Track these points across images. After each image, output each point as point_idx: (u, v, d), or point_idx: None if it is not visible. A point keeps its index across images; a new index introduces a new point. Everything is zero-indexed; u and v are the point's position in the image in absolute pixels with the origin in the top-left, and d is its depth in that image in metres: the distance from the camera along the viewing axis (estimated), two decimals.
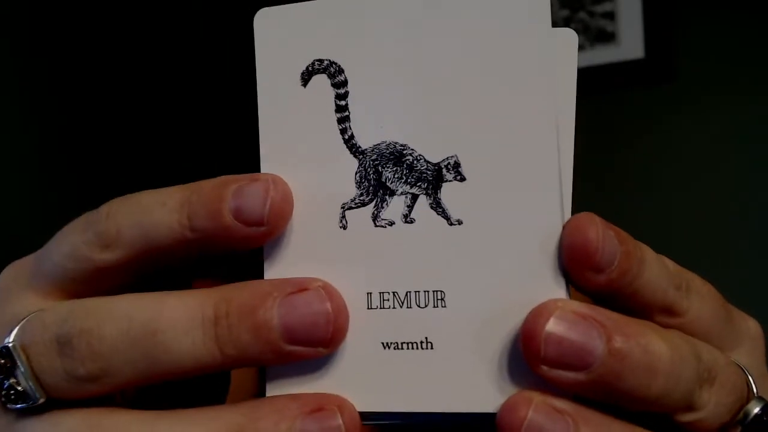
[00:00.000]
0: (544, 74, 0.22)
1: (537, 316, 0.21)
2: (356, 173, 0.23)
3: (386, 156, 0.23)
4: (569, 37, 0.23)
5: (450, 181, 0.22)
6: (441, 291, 0.22)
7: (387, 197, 0.23)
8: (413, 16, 0.23)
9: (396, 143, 0.23)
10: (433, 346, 0.22)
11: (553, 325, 0.20)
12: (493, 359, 0.22)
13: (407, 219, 0.23)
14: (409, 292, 0.22)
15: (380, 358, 0.22)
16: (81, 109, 1.27)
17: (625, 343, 0.20)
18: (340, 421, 0.21)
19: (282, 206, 0.22)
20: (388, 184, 0.23)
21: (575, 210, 0.22)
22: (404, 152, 0.23)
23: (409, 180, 0.23)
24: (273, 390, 0.22)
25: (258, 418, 0.21)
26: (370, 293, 0.22)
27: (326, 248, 0.23)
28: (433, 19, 0.22)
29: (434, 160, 0.22)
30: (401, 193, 0.23)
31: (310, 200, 0.23)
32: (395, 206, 0.23)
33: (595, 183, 1.10)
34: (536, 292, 0.22)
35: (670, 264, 0.23)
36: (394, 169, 0.23)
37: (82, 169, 1.25)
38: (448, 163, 0.22)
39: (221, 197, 0.22)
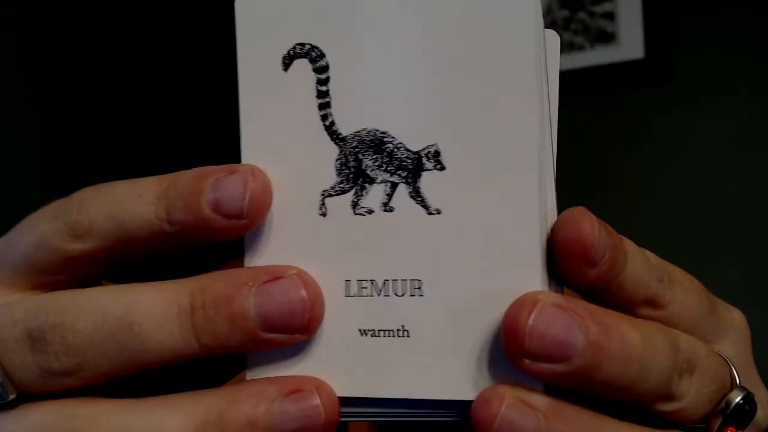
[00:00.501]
0: (528, 65, 0.22)
1: (519, 309, 0.21)
2: (336, 160, 0.23)
3: (366, 143, 0.23)
4: (551, 38, 0.23)
5: (430, 170, 0.22)
6: (418, 280, 0.22)
7: (367, 185, 0.23)
8: (397, 4, 0.22)
9: (377, 130, 0.23)
10: (409, 334, 0.22)
11: (536, 319, 0.21)
12: (469, 348, 0.22)
13: (386, 207, 0.22)
14: (387, 280, 0.22)
15: (357, 345, 0.22)
16: (77, 98, 1.28)
17: (602, 334, 0.21)
18: (318, 402, 0.21)
19: (261, 197, 0.22)
20: (368, 171, 0.23)
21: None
22: (385, 140, 0.22)
23: (389, 168, 0.23)
24: (253, 375, 0.23)
25: (237, 400, 0.21)
26: (348, 281, 0.22)
27: (306, 235, 0.23)
28: (418, 8, 0.22)
29: (415, 149, 0.22)
30: (381, 181, 0.23)
31: (290, 186, 0.23)
32: (375, 194, 0.23)
33: (595, 183, 1.10)
34: (514, 283, 0.22)
35: (652, 257, 0.23)
36: (375, 156, 0.23)
37: (81, 162, 1.26)
38: (429, 152, 0.22)
39: (199, 190, 0.21)
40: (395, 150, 0.22)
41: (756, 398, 0.23)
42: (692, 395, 0.22)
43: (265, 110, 0.23)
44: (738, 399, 0.23)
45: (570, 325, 0.21)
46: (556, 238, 0.22)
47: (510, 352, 0.21)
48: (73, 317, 0.21)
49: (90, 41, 1.30)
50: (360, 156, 0.23)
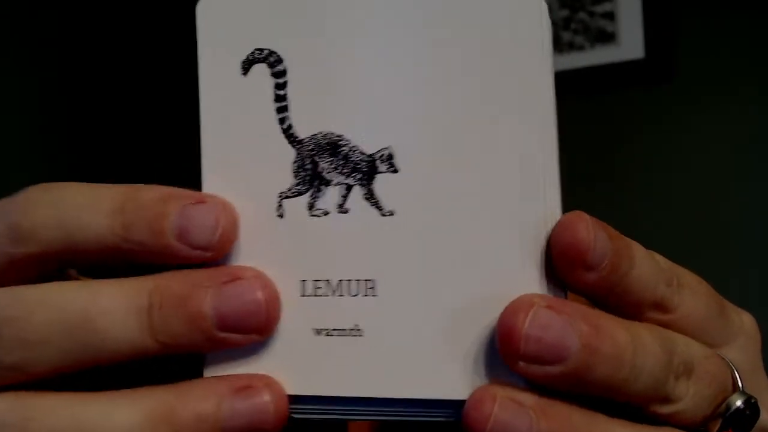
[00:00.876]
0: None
1: (514, 312, 0.21)
2: (293, 163, 0.23)
3: (322, 146, 0.23)
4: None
5: (383, 172, 0.23)
6: (372, 280, 0.23)
7: (323, 187, 0.23)
8: (354, 10, 0.23)
9: (332, 134, 0.23)
10: (362, 333, 0.22)
11: (532, 323, 0.21)
12: (423, 347, 0.22)
13: (341, 209, 0.23)
14: (342, 280, 0.23)
15: (312, 344, 0.23)
16: (77, 98, 1.29)
17: (596, 336, 0.21)
18: (268, 398, 0.22)
19: (231, 233, 0.22)
20: (323, 174, 0.23)
21: (570, 210, 0.22)
22: (340, 143, 0.23)
23: (343, 171, 0.23)
24: (210, 373, 0.23)
25: (188, 396, 0.21)
26: (304, 281, 0.23)
27: (263, 236, 0.23)
28: (375, 15, 0.23)
29: (369, 152, 0.23)
30: (336, 184, 0.23)
31: (248, 187, 0.23)
32: (331, 196, 0.23)
33: (595, 183, 1.10)
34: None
35: (661, 260, 0.23)
36: (330, 159, 0.23)
37: (81, 162, 1.27)
38: (382, 155, 0.23)
39: (164, 214, 0.21)
40: (350, 153, 0.23)
41: (760, 402, 0.23)
42: (690, 398, 0.22)
43: (225, 113, 0.23)
44: (738, 403, 0.23)
45: (565, 327, 0.21)
46: (552, 243, 0.22)
47: (505, 355, 0.21)
48: (30, 311, 0.21)
49: (90, 42, 1.31)
50: (316, 159, 0.23)
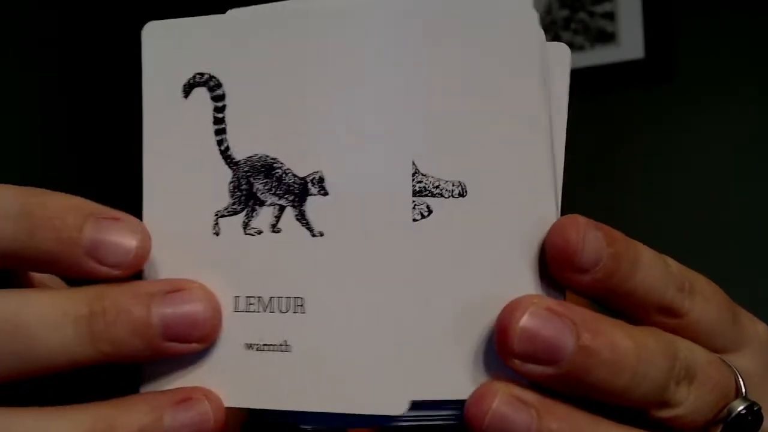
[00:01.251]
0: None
1: (511, 310, 0.21)
2: (230, 183, 0.24)
3: (257, 168, 0.24)
4: (562, 51, 0.24)
5: (314, 195, 0.23)
6: (301, 297, 0.23)
7: (257, 207, 0.24)
8: (291, 37, 0.24)
9: (267, 156, 0.24)
10: (291, 349, 0.23)
11: (527, 321, 0.21)
12: (351, 362, 0.23)
13: (274, 228, 0.24)
14: (273, 297, 0.24)
15: (244, 359, 0.24)
16: (78, 98, 1.30)
17: (593, 340, 0.21)
18: (208, 408, 0.23)
19: (144, 254, 0.23)
20: (258, 194, 0.24)
21: (570, 210, 0.23)
22: (274, 165, 0.24)
23: (277, 192, 0.24)
24: (146, 389, 0.24)
25: (128, 410, 0.22)
26: (237, 297, 0.24)
27: (200, 252, 0.24)
28: (309, 50, 0.24)
29: (301, 175, 0.24)
30: (270, 204, 0.24)
31: (187, 206, 0.24)
32: (264, 216, 0.24)
33: (595, 183, 1.09)
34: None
35: (674, 264, 0.23)
36: (264, 181, 0.24)
37: (81, 162, 1.27)
38: (314, 178, 0.23)
39: (76, 226, 0.22)
40: (283, 175, 0.24)
41: (764, 410, 0.23)
42: (690, 403, 0.22)
43: (166, 134, 0.24)
44: (740, 408, 0.23)
45: (560, 328, 0.21)
46: (545, 245, 0.22)
47: (500, 351, 0.21)
48: None
49: (90, 42, 1.32)
50: (251, 180, 0.24)
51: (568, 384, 0.21)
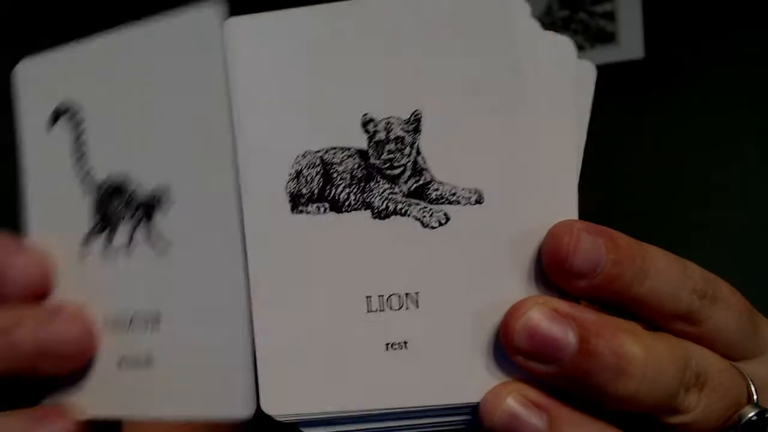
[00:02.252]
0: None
1: (517, 308, 0.22)
2: (91, 205, 0.26)
3: (113, 189, 0.25)
4: (588, 69, 0.25)
5: (161, 210, 0.24)
6: (158, 311, 0.24)
7: (115, 227, 0.25)
8: (144, 62, 0.25)
9: (120, 175, 0.25)
10: (153, 365, 0.24)
11: (528, 318, 0.21)
12: (207, 373, 0.24)
13: (129, 246, 0.25)
14: (132, 314, 0.25)
15: (114, 375, 0.25)
16: None
17: (596, 342, 0.21)
18: (60, 426, 0.25)
19: (47, 285, 0.25)
20: (114, 215, 0.25)
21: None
22: (125, 184, 0.25)
23: (128, 210, 0.25)
24: (48, 402, 0.26)
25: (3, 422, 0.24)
26: (106, 315, 0.25)
27: (68, 274, 0.26)
28: (160, 65, 0.24)
29: (148, 191, 0.25)
30: (125, 223, 0.25)
31: (60, 232, 0.26)
32: (121, 235, 0.25)
33: (595, 183, 1.09)
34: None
35: (696, 271, 0.23)
36: (118, 201, 0.25)
37: None
38: (157, 195, 0.24)
39: None
40: (133, 193, 0.25)
41: None
42: (701, 410, 0.22)
43: (39, 163, 0.26)
44: (751, 414, 0.23)
45: (561, 328, 0.21)
46: (541, 250, 0.23)
47: (505, 346, 0.22)
48: None
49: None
50: (107, 201, 0.25)
51: (571, 384, 0.21)
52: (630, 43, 1.09)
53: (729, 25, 1.04)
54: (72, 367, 0.25)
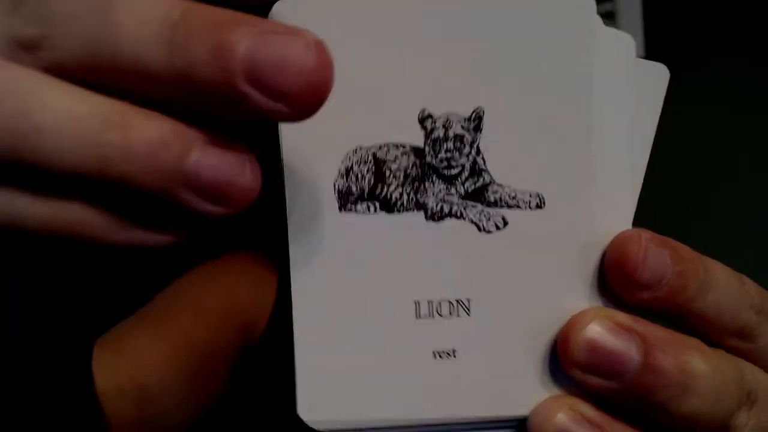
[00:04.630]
0: None
1: (578, 319, 0.21)
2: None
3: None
4: (661, 72, 0.24)
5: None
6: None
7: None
8: None
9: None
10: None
11: (591, 330, 0.21)
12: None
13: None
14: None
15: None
16: None
17: (662, 358, 0.20)
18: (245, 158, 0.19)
19: (323, 81, 0.17)
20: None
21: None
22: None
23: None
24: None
25: (151, 118, 0.18)
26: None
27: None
28: None
29: None
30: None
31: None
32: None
33: None
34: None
35: (752, 287, 0.23)
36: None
37: None
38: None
39: (231, 41, 0.17)
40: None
41: None
42: (749, 429, 0.22)
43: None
44: None
45: (626, 342, 0.21)
46: (605, 260, 0.22)
47: (563, 359, 0.21)
48: None
49: None
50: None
51: (631, 401, 0.21)
52: None
53: (729, 26, 1.04)
54: (284, 113, 0.17)
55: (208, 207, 0.18)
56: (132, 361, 0.45)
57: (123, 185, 0.18)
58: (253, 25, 0.17)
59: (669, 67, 0.21)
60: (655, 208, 1.06)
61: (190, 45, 0.17)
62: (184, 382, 0.48)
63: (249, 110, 0.17)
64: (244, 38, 0.17)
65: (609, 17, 1.10)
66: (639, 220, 0.23)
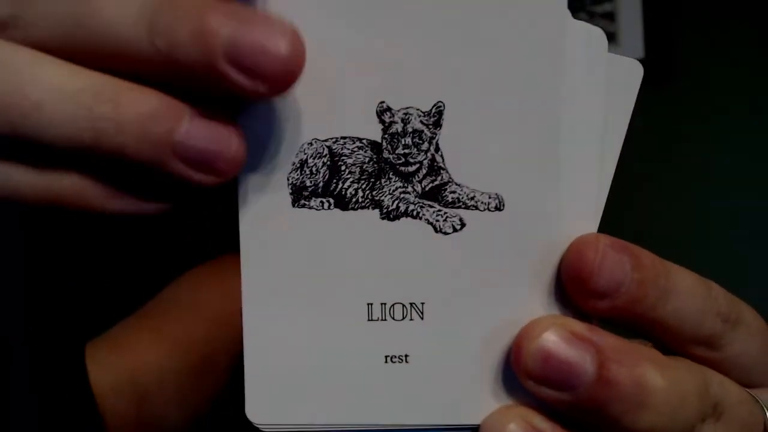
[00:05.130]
0: None
1: (531, 328, 0.20)
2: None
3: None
4: (633, 68, 0.23)
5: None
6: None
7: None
8: None
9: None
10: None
11: (544, 340, 0.20)
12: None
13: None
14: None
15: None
16: None
17: (616, 371, 0.19)
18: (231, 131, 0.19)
19: (296, 63, 0.18)
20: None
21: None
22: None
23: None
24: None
25: (141, 91, 0.19)
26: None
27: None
28: None
29: None
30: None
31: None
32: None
33: None
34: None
35: (720, 294, 0.22)
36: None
37: None
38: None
39: (210, 27, 0.18)
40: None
41: None
42: None
43: None
44: None
45: (580, 353, 0.20)
46: (561, 266, 0.21)
47: (515, 369, 0.21)
48: None
49: None
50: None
51: (585, 414, 0.20)
52: (630, 43, 1.09)
53: (729, 25, 1.04)
54: (262, 93, 0.18)
55: (198, 176, 0.19)
56: (131, 361, 0.45)
57: (116, 157, 0.19)
58: (233, 11, 0.18)
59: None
60: (651, 205, 1.06)
61: (172, 27, 0.18)
62: (184, 381, 0.47)
63: (228, 88, 0.18)
64: (225, 24, 0.18)
65: (609, 17, 1.10)
66: (615, 225, 0.22)
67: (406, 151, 0.22)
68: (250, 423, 0.22)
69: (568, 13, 0.21)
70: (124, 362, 0.45)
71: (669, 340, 0.22)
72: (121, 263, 0.57)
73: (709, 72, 1.05)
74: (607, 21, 1.10)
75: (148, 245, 0.57)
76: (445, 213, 0.22)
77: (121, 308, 0.49)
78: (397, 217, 0.22)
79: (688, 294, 0.21)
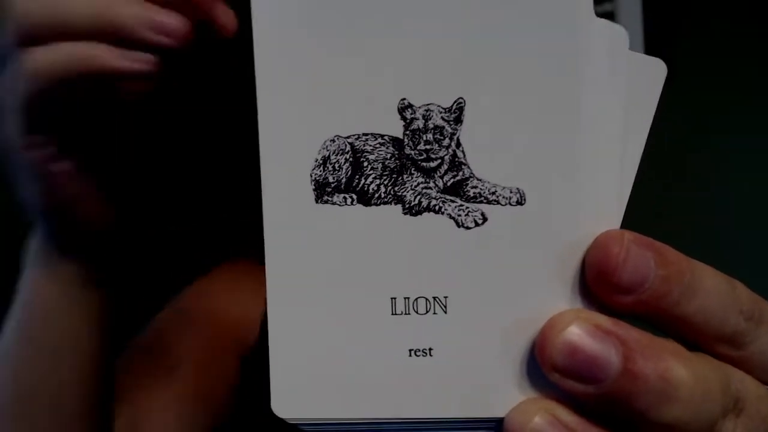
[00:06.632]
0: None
1: (557, 321, 0.21)
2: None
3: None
4: (657, 67, 0.23)
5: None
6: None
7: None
8: None
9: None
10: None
11: (569, 333, 0.20)
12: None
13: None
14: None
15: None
16: None
17: (642, 364, 0.20)
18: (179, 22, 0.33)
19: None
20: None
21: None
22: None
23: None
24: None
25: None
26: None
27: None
28: None
29: None
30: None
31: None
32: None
33: None
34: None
35: (744, 292, 0.22)
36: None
37: None
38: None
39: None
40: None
41: None
42: None
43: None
44: None
45: (605, 346, 0.20)
46: (585, 261, 0.21)
47: (541, 362, 0.21)
48: None
49: None
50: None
51: (610, 407, 0.20)
52: (630, 43, 1.09)
53: (729, 25, 1.04)
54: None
55: (157, 38, 0.31)
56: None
57: (120, 33, 0.31)
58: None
59: (669, 66, 0.21)
60: (654, 209, 1.07)
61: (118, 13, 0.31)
62: (188, 425, 0.51)
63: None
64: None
65: (609, 17, 1.10)
66: (636, 221, 0.22)
67: (428, 146, 0.22)
68: (275, 416, 0.22)
69: (592, 10, 0.22)
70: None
71: (692, 337, 0.22)
72: (131, 270, 0.58)
73: (709, 72, 1.05)
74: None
75: (157, 251, 0.58)
76: (467, 208, 0.22)
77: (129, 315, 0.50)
78: (419, 212, 0.22)
79: (712, 292, 0.21)
